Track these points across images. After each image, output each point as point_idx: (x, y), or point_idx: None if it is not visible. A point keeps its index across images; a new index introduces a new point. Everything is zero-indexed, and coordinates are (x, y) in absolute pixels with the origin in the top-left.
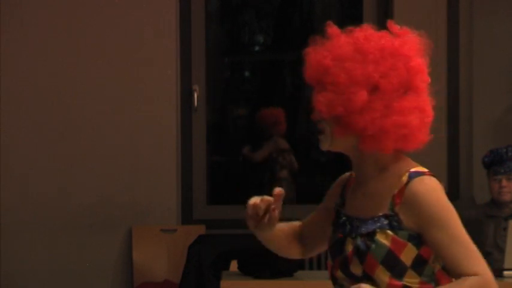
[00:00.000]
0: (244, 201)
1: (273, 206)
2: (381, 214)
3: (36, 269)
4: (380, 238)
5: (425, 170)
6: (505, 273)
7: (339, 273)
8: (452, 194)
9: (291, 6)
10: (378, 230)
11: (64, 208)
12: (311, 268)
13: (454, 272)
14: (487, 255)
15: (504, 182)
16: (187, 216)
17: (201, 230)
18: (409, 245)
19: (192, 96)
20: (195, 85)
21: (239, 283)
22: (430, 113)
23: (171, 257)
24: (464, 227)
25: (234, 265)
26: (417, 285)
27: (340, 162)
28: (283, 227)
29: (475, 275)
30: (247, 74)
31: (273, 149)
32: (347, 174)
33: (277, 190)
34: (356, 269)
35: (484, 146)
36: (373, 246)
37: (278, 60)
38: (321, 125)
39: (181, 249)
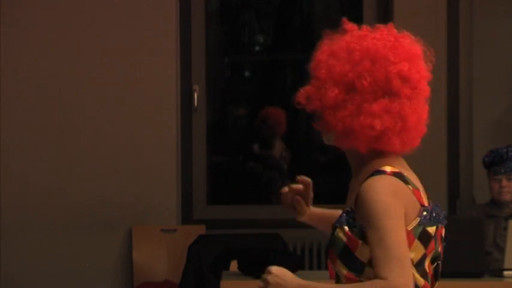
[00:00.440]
0: (244, 201)
1: (296, 197)
2: (346, 210)
3: (36, 269)
4: (338, 233)
5: (389, 169)
6: (505, 273)
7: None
8: (452, 194)
9: (291, 6)
10: (338, 225)
11: (64, 208)
12: (311, 268)
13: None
14: (487, 255)
15: (504, 182)
16: (187, 216)
17: (201, 230)
18: (362, 242)
19: (192, 96)
20: (195, 85)
21: (239, 283)
22: (414, 119)
23: (171, 257)
24: (465, 227)
25: (234, 265)
26: None
27: (340, 162)
28: (333, 214)
29: (384, 279)
30: (247, 74)
31: (283, 149)
32: None
33: (300, 178)
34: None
35: (484, 146)
36: (333, 239)
37: (278, 60)
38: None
39: (181, 249)
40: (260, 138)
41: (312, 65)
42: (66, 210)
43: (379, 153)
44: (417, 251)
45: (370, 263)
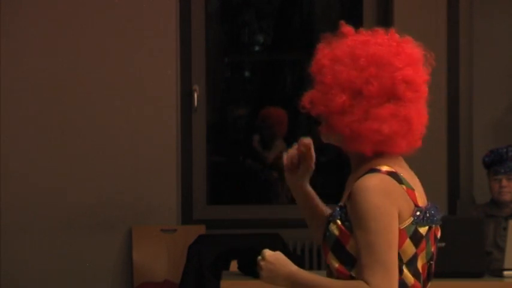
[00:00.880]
0: (244, 201)
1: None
2: (339, 205)
3: (36, 269)
4: (331, 227)
5: (385, 168)
6: (505, 273)
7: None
8: (452, 194)
9: (291, 6)
10: (331, 219)
11: (64, 208)
12: (311, 268)
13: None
14: (487, 255)
15: (504, 182)
16: (187, 216)
17: (201, 230)
18: (353, 236)
19: (192, 96)
20: (195, 85)
21: (239, 283)
22: (418, 121)
23: (171, 257)
24: (465, 227)
25: (234, 265)
26: None
27: (340, 163)
28: (324, 210)
29: (367, 283)
30: (247, 74)
31: (283, 149)
32: None
33: (305, 140)
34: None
35: (484, 146)
36: (327, 233)
37: (278, 60)
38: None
39: (181, 249)
40: (260, 138)
41: (313, 69)
42: (66, 210)
43: (380, 153)
44: (408, 250)
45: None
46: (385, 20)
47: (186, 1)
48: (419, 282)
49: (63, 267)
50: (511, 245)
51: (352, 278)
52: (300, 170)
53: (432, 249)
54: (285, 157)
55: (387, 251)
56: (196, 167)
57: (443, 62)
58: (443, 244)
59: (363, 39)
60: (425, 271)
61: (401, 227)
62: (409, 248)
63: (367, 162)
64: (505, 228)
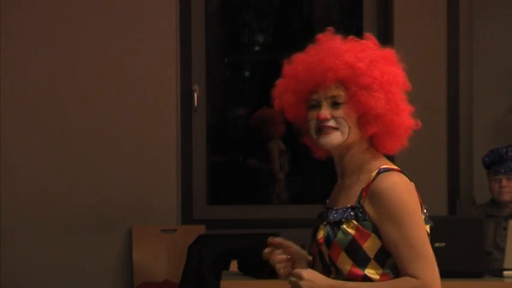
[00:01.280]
0: (244, 201)
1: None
2: (349, 205)
3: (36, 269)
4: (346, 227)
5: (395, 167)
6: (505, 273)
7: (318, 263)
8: (452, 194)
9: (291, 7)
10: (344, 220)
11: (64, 208)
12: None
13: (400, 271)
14: (487, 255)
15: (504, 182)
16: (187, 216)
17: (201, 230)
18: (373, 235)
19: (192, 96)
20: (195, 85)
21: (239, 283)
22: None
23: (171, 257)
24: (465, 227)
25: (234, 265)
26: (378, 277)
27: None
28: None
29: (415, 277)
30: (247, 74)
31: (278, 151)
32: None
33: (270, 240)
34: (325, 256)
35: (484, 146)
36: (339, 233)
37: (278, 60)
38: (331, 123)
39: (181, 249)
40: (260, 138)
41: (346, 73)
42: (66, 210)
43: (374, 153)
44: None
45: (377, 257)
46: (385, 20)
47: (186, 1)
48: None
49: (63, 267)
50: (511, 245)
51: (366, 277)
52: (295, 260)
53: None
54: (278, 268)
55: (425, 243)
56: (196, 167)
57: (443, 62)
58: (443, 244)
59: (362, 42)
60: None
61: None
62: None
63: (367, 163)
64: (505, 228)
